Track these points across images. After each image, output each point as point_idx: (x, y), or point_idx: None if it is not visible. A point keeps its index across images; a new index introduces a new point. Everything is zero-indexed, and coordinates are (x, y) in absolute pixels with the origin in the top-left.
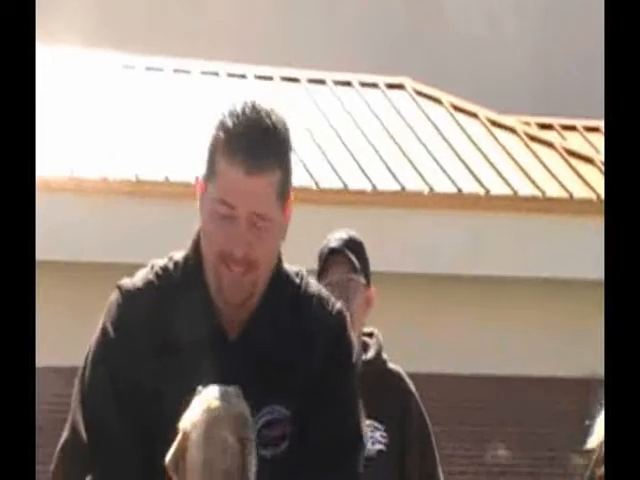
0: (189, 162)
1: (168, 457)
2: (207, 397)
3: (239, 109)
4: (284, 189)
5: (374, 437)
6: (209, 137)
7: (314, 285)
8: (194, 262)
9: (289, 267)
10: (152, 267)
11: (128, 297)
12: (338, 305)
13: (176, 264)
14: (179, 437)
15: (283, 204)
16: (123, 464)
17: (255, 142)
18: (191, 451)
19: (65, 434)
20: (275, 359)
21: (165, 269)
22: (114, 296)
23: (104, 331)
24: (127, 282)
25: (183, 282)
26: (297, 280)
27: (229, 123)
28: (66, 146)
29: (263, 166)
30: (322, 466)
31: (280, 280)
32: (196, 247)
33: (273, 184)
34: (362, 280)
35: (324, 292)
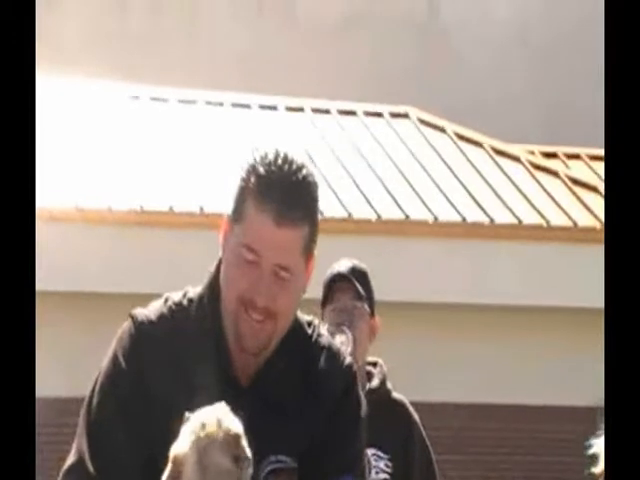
0: (193, 192)
1: None
2: (196, 423)
3: (271, 157)
4: (310, 244)
5: (378, 466)
6: (237, 178)
7: (325, 337)
8: (210, 302)
9: (302, 316)
10: (166, 301)
11: (141, 329)
12: (348, 359)
13: (190, 301)
14: (170, 466)
15: (307, 259)
16: None
17: (287, 193)
18: (186, 478)
19: (70, 460)
20: (284, 409)
21: (179, 305)
22: (127, 326)
23: (115, 360)
24: (140, 313)
25: (198, 322)
26: (309, 330)
27: (261, 170)
28: (71, 177)
29: (294, 219)
30: None
31: (294, 331)
32: (212, 287)
33: (300, 238)
34: (367, 308)
35: (335, 345)
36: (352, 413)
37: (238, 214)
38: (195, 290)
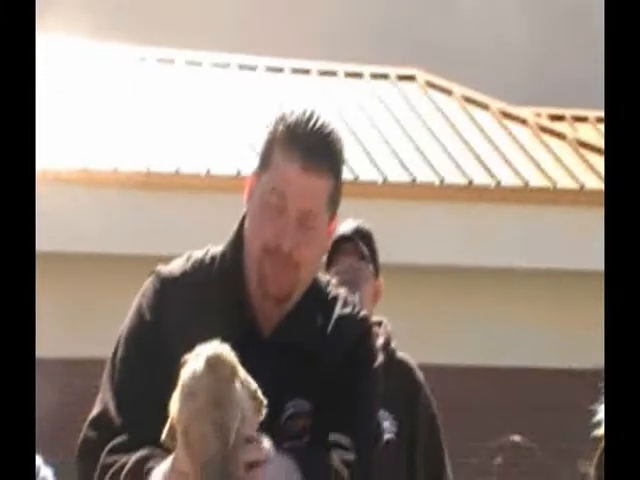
0: (200, 154)
1: (164, 434)
2: (191, 377)
3: (299, 112)
4: (334, 200)
5: (383, 427)
6: (265, 131)
7: (342, 290)
8: (232, 258)
9: (319, 273)
10: (188, 258)
11: (166, 284)
12: (364, 312)
13: (213, 258)
14: (169, 423)
15: (330, 217)
16: (149, 440)
17: (315, 144)
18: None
19: (95, 410)
20: (304, 358)
21: (202, 262)
22: (150, 281)
23: (139, 315)
24: (164, 269)
25: (220, 277)
26: (327, 285)
27: (290, 119)
28: (78, 138)
29: (320, 166)
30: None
31: (314, 285)
32: (234, 244)
33: (326, 189)
34: (371, 270)
35: (351, 298)
36: (366, 362)
37: (265, 164)
38: (217, 248)
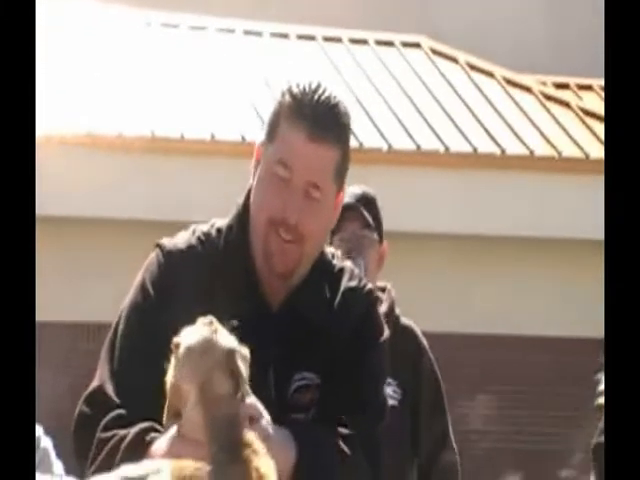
0: (204, 119)
1: (165, 414)
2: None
3: (307, 83)
4: (341, 172)
5: (386, 393)
6: (272, 104)
7: (347, 264)
8: (238, 231)
9: (325, 246)
10: (194, 232)
11: (169, 258)
12: (369, 285)
13: (219, 231)
14: (169, 397)
15: (337, 190)
16: (147, 418)
17: (322, 114)
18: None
19: (92, 385)
20: (311, 332)
21: (207, 235)
22: (155, 254)
23: (143, 288)
24: (169, 243)
25: (226, 251)
26: (332, 258)
27: (297, 90)
28: (82, 102)
29: (326, 137)
30: (346, 432)
31: (321, 258)
32: (240, 216)
33: (332, 160)
34: (375, 236)
35: (357, 271)
36: (372, 336)
37: (271, 135)
38: (223, 221)
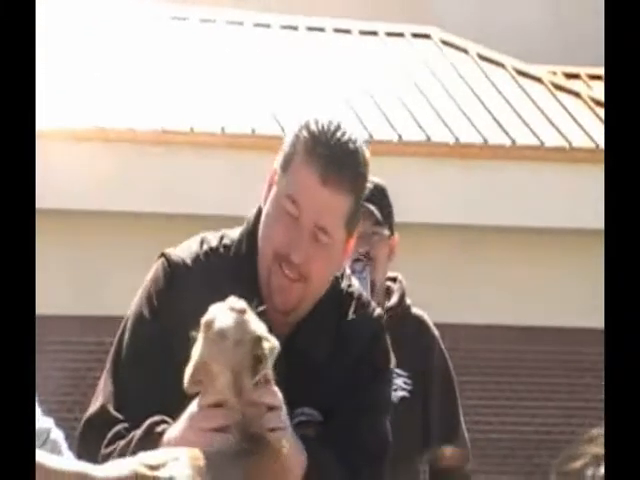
0: (214, 112)
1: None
2: (216, 330)
3: (327, 121)
4: (353, 219)
5: (397, 384)
6: (291, 132)
7: (356, 288)
8: (247, 255)
9: None
10: (201, 244)
11: (177, 271)
12: (378, 310)
13: (227, 247)
14: (192, 370)
15: (347, 238)
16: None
17: (337, 157)
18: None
19: (93, 407)
20: (316, 365)
21: (216, 251)
22: (161, 266)
23: (149, 302)
24: (176, 255)
25: (234, 273)
26: (341, 283)
27: (314, 127)
28: (93, 96)
29: (340, 183)
30: (348, 468)
31: (329, 286)
32: (250, 236)
33: (344, 207)
34: (386, 232)
35: (365, 295)
36: (378, 358)
37: (285, 165)
38: (231, 235)
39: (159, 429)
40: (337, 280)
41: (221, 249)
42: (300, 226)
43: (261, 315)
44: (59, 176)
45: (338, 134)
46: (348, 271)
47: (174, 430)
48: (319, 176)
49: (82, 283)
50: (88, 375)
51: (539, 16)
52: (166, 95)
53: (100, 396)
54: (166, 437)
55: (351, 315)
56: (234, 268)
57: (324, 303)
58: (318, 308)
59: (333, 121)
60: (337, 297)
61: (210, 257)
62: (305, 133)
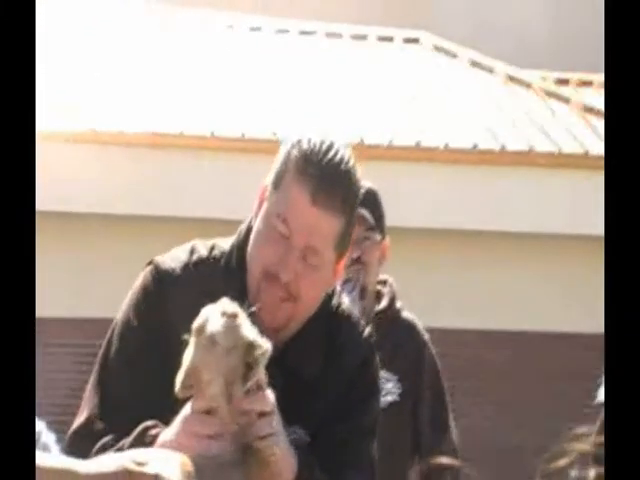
0: (204, 116)
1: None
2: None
3: (319, 140)
4: (343, 242)
5: (386, 388)
6: (283, 149)
7: (346, 306)
8: (237, 267)
9: None
10: (192, 252)
11: (166, 281)
12: (367, 330)
13: (217, 259)
14: (184, 376)
15: (337, 259)
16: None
17: (329, 178)
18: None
19: (79, 419)
20: (306, 384)
21: (205, 262)
22: (149, 274)
23: (137, 311)
24: (165, 264)
25: (224, 284)
26: (332, 301)
27: (306, 146)
28: (84, 99)
29: (331, 204)
30: None
31: (322, 308)
32: (240, 250)
33: (335, 228)
34: (377, 237)
35: (355, 315)
36: (367, 384)
37: (277, 182)
38: (222, 246)
39: (153, 432)
40: (328, 298)
41: (211, 260)
42: (290, 245)
43: (252, 316)
44: (52, 178)
45: (330, 154)
46: (338, 288)
47: (168, 433)
48: (310, 196)
49: (72, 284)
50: (88, 378)
51: (536, 17)
52: (157, 98)
53: (86, 408)
54: (160, 440)
55: (342, 337)
56: (224, 280)
57: (314, 322)
58: (308, 327)
59: (325, 141)
60: (327, 316)
61: (199, 267)
62: (296, 152)
